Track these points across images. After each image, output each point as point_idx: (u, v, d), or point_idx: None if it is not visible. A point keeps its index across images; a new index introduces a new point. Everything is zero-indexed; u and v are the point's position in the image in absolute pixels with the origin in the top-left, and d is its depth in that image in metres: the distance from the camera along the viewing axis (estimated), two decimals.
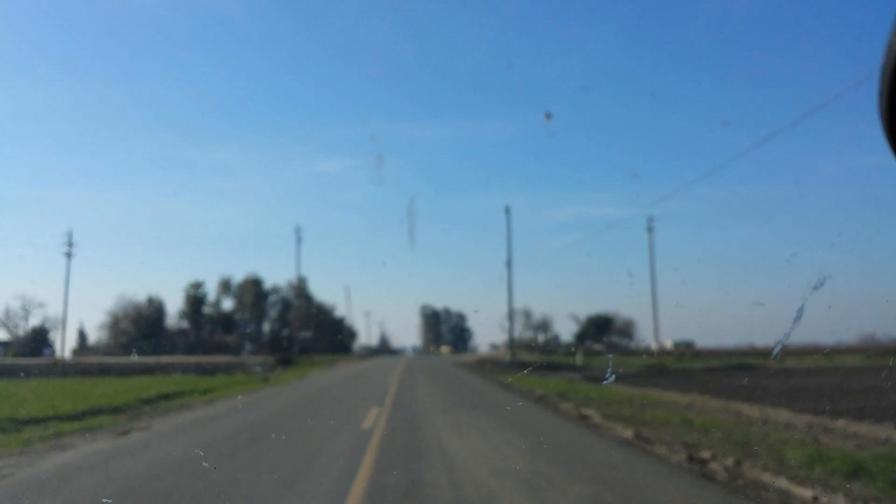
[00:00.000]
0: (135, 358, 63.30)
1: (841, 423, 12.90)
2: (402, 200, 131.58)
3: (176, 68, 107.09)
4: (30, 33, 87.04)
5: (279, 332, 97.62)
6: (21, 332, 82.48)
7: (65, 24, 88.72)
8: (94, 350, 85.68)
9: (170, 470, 7.83)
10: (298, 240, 71.84)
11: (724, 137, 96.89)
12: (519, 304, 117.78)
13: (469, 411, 14.99)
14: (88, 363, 51.81)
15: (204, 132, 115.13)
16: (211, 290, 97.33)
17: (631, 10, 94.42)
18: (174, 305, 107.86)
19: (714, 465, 7.55)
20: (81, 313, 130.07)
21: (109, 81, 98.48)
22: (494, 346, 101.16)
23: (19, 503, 6.29)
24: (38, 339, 79.98)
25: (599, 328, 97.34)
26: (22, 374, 35.36)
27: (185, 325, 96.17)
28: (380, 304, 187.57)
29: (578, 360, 50.54)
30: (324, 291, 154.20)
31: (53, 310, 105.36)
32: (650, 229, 59.54)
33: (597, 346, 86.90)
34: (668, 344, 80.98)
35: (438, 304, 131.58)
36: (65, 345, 73.81)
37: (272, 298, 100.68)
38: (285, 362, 56.48)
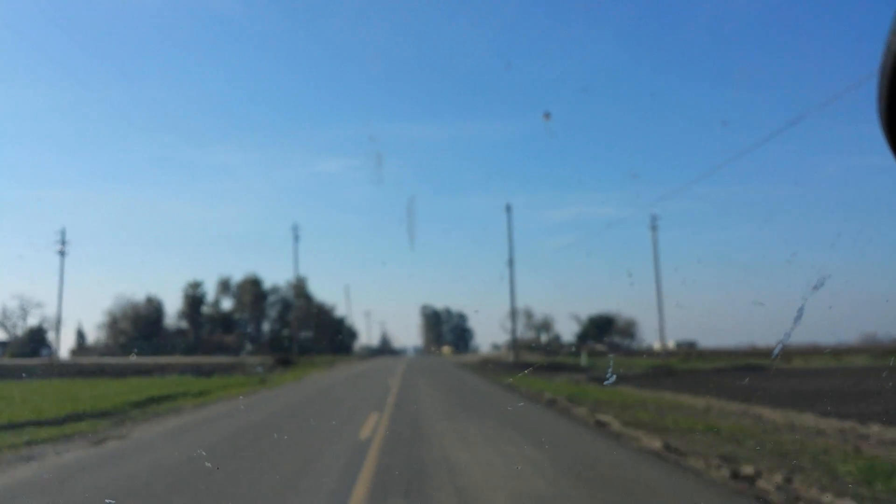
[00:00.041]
0: (133, 358, 62.42)
1: (875, 429, 12.06)
2: (401, 200, 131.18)
3: (176, 68, 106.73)
4: (30, 33, 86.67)
5: (279, 333, 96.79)
6: (19, 332, 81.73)
7: (65, 24, 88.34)
8: (93, 350, 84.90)
9: (130, 491, 6.81)
10: (296, 238, 70.86)
11: (724, 137, 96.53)
12: (520, 304, 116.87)
13: (476, 418, 13.86)
14: (85, 364, 50.97)
15: (204, 132, 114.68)
16: (210, 290, 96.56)
17: (631, 10, 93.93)
18: (173, 305, 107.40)
19: (763, 484, 6.58)
20: (81, 313, 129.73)
21: (109, 81, 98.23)
22: (496, 347, 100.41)
23: None
24: (36, 340, 79.16)
25: (601, 328, 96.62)
26: (17, 375, 34.51)
27: (184, 325, 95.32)
28: (380, 305, 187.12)
29: (583, 360, 49.60)
30: (324, 291, 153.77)
31: (52, 310, 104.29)
32: (654, 227, 58.53)
33: (598, 347, 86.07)
34: (671, 344, 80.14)
35: (439, 304, 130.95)
36: (60, 345, 73.03)
37: (272, 298, 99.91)
38: (284, 363, 55.60)
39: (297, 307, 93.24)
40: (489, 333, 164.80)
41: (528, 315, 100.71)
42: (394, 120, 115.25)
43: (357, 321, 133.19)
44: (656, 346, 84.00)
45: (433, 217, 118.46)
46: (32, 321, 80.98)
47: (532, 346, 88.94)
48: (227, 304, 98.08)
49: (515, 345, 62.25)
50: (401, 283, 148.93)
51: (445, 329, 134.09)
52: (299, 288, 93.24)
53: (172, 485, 7.08)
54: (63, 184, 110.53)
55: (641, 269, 64.99)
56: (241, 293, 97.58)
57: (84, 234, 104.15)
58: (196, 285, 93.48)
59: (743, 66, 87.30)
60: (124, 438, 10.69)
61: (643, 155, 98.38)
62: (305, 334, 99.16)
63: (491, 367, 47.60)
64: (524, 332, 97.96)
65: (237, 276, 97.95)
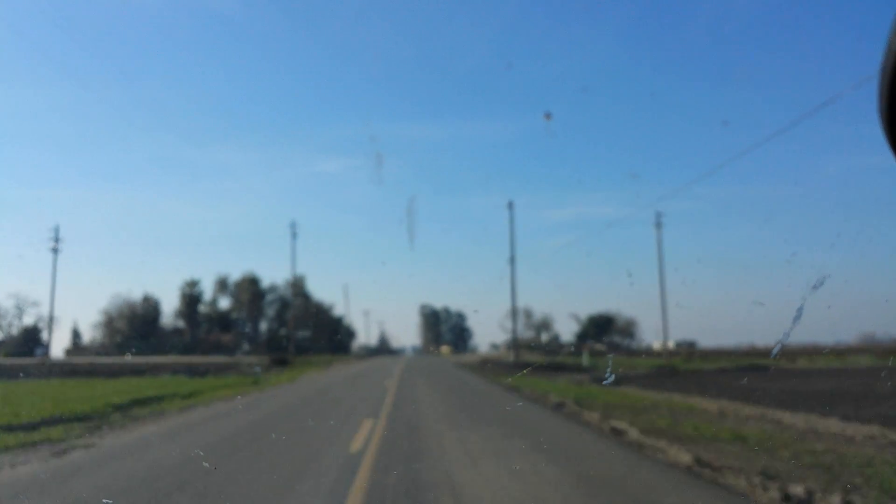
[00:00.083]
0: (129, 358, 61.51)
1: None
2: (401, 200, 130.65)
3: (176, 68, 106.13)
4: (30, 33, 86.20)
5: (277, 332, 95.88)
6: (15, 331, 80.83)
7: (65, 24, 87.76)
8: (89, 350, 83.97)
9: None
10: (294, 235, 69.81)
11: (724, 137, 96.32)
12: (519, 303, 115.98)
13: (481, 425, 12.68)
14: (77, 363, 50.10)
15: (204, 132, 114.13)
16: (208, 289, 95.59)
17: (631, 10, 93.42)
18: (170, 304, 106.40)
19: None
20: (79, 313, 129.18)
21: (109, 81, 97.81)
22: (495, 346, 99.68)
23: None
24: (31, 339, 78.20)
25: (600, 328, 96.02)
26: (8, 375, 33.59)
27: (180, 324, 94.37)
28: (379, 304, 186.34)
29: (585, 360, 48.66)
30: (323, 291, 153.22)
31: (48, 309, 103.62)
32: (658, 225, 57.60)
33: (598, 346, 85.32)
34: (670, 344, 79.34)
35: (438, 303, 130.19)
36: (52, 344, 72.12)
37: (269, 297, 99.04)
38: (281, 363, 54.67)
39: (294, 306, 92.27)
40: (488, 333, 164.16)
41: (528, 314, 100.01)
42: (394, 120, 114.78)
43: (356, 321, 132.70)
44: (656, 345, 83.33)
45: (433, 217, 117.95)
46: (29, 320, 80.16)
47: (531, 346, 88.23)
48: (224, 303, 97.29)
49: (516, 344, 61.26)
50: (400, 282, 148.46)
51: (444, 329, 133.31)
52: (297, 286, 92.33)
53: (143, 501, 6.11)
54: (63, 184, 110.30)
55: (641, 269, 64.39)
56: (239, 292, 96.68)
57: (84, 234, 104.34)
58: (193, 284, 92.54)
59: (743, 66, 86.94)
60: (90, 448, 9.68)
61: (643, 155, 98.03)
62: (303, 334, 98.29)
63: (491, 367, 46.61)
64: (523, 332, 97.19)
65: (235, 276, 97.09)
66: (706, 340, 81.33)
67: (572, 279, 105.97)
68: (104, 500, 6.20)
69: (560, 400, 16.45)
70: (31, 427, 12.36)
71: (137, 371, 43.26)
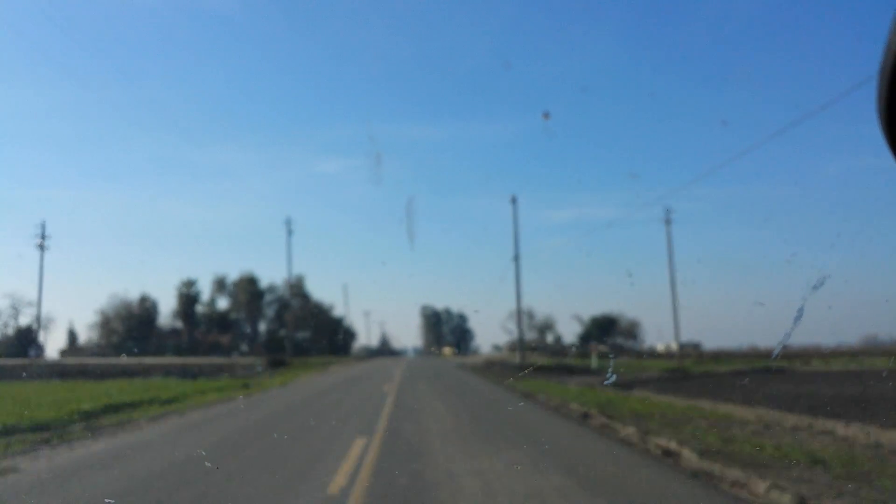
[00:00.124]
0: (124, 359, 59.79)
1: None
2: (401, 200, 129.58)
3: (176, 68, 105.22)
4: (30, 33, 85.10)
5: (276, 333, 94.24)
6: (10, 331, 79.24)
7: (65, 24, 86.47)
8: (84, 350, 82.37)
9: None
10: (289, 232, 67.97)
11: (724, 137, 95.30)
12: (522, 304, 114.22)
13: (500, 448, 10.30)
14: (68, 364, 48.66)
15: (204, 132, 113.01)
16: (206, 289, 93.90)
17: (631, 10, 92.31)
18: (168, 305, 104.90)
19: None
20: (76, 313, 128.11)
21: (109, 81, 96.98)
22: (497, 348, 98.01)
23: None
24: (25, 339, 76.51)
25: (603, 329, 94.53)
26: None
27: (178, 324, 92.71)
28: (380, 305, 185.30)
29: (593, 362, 46.80)
30: (323, 291, 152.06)
31: (46, 309, 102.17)
32: (668, 221, 55.68)
33: (601, 347, 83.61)
34: (674, 345, 77.55)
35: (439, 304, 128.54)
36: (46, 344, 70.53)
37: (268, 297, 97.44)
38: (278, 364, 52.90)
39: (293, 306, 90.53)
40: (490, 334, 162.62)
41: (530, 315, 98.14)
42: (393, 120, 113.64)
43: (356, 321, 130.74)
44: (659, 347, 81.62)
45: (433, 217, 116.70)
46: (25, 321, 78.57)
47: (535, 347, 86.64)
48: (222, 303, 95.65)
49: (522, 346, 59.32)
50: (400, 283, 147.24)
51: (446, 330, 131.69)
52: (296, 287, 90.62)
53: None
54: (63, 184, 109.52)
55: (642, 269, 62.83)
56: (237, 292, 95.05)
57: (83, 234, 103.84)
58: (190, 284, 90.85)
59: (743, 66, 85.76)
60: (16, 473, 7.73)
61: (643, 155, 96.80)
62: (303, 334, 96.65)
63: (497, 369, 44.69)
64: (526, 333, 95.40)
65: (234, 276, 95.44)
66: (707, 341, 79.92)
67: (573, 280, 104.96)
68: None
69: (583, 409, 14.50)
70: None
71: (129, 372, 41.67)
